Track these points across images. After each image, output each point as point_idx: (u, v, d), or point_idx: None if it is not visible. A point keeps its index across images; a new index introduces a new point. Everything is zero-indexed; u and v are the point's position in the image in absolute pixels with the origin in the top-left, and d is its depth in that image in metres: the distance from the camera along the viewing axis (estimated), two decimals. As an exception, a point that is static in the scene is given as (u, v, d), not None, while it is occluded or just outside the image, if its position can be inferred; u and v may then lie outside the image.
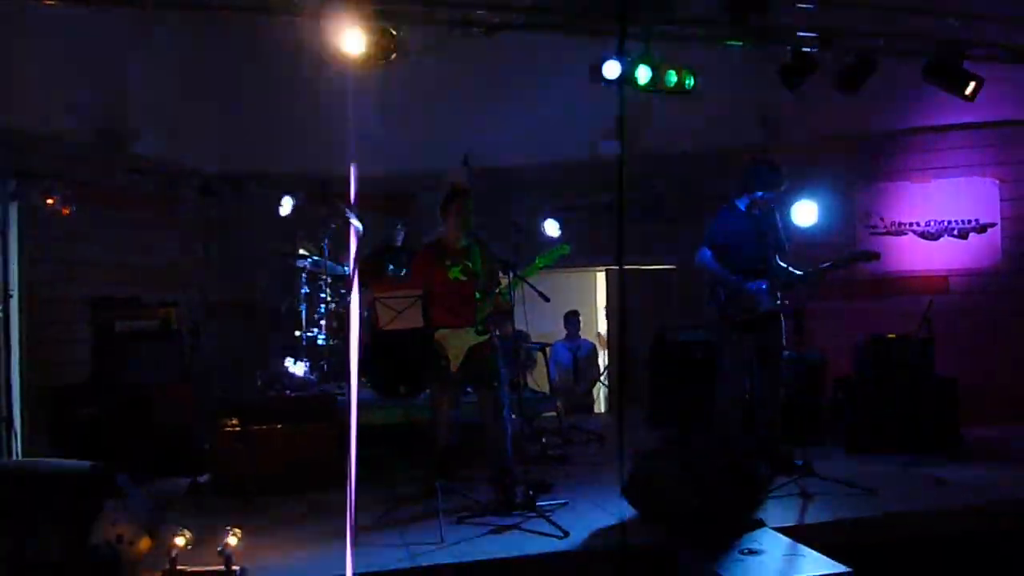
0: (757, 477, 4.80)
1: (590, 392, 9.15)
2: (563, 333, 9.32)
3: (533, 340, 8.52)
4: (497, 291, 5.10)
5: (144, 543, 3.92)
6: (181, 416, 5.83)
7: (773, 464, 5.37)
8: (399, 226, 7.45)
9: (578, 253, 5.43)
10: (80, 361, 6.56)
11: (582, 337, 9.23)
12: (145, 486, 4.96)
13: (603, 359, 9.29)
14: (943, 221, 7.85)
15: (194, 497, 5.15)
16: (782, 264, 5.55)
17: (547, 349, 8.14)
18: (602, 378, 9.21)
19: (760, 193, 5.48)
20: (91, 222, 6.44)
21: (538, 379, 8.38)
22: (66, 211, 5.83)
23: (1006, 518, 4.75)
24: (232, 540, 3.75)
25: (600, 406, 9.29)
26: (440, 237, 5.19)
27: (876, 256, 5.81)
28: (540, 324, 9.17)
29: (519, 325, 5.26)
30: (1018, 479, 5.32)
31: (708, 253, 5.51)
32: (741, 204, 5.59)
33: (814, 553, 3.78)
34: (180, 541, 3.75)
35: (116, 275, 7.09)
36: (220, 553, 3.68)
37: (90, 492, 3.76)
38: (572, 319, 9.15)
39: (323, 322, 6.78)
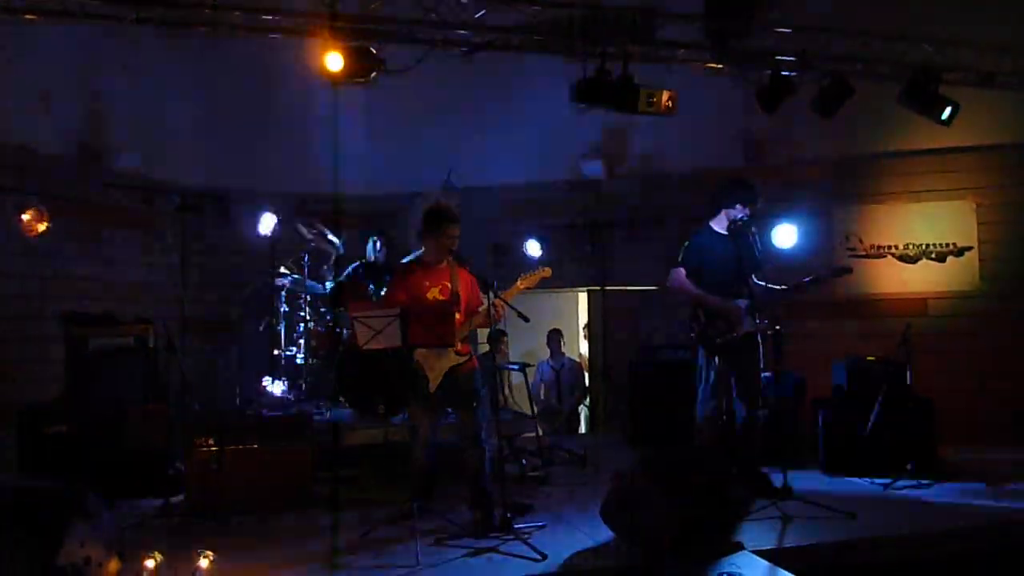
0: (736, 499, 4.78)
1: (573, 412, 9.13)
2: (544, 352, 9.30)
3: (513, 360, 8.50)
4: (478, 310, 5.08)
5: (113, 566, 3.83)
6: (155, 435, 5.74)
7: (752, 486, 5.36)
8: (379, 245, 7.42)
9: (559, 273, 5.44)
10: (53, 378, 6.47)
11: (565, 356, 9.21)
12: (116, 507, 4.86)
13: (586, 379, 9.28)
14: (921, 244, 7.92)
15: (167, 518, 5.06)
16: (759, 283, 5.57)
17: (527, 369, 8.11)
18: (585, 399, 9.20)
19: (737, 207, 5.49)
20: (66, 237, 6.37)
21: (520, 399, 8.34)
22: (41, 226, 5.75)
23: (984, 540, 4.76)
24: (205, 563, 3.69)
25: (582, 426, 9.26)
26: (419, 256, 5.17)
27: (848, 270, 5.86)
28: (523, 344, 9.20)
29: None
30: (996, 501, 5.34)
31: (683, 274, 5.52)
32: (716, 225, 5.61)
33: (793, 577, 3.76)
34: (151, 564, 3.69)
35: (91, 291, 7.01)
36: (191, 576, 3.62)
37: (59, 512, 3.67)
38: (554, 338, 9.13)
39: (302, 341, 6.73)
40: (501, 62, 6.53)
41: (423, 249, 5.14)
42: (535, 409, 7.63)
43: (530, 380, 8.22)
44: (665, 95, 5.86)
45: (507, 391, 8.01)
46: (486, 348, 5.68)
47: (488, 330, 4.98)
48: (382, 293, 6.44)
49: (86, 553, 3.67)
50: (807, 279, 5.50)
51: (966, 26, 6.88)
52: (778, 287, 5.49)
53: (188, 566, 3.69)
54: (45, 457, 5.41)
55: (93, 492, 3.87)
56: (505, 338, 8.69)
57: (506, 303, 4.93)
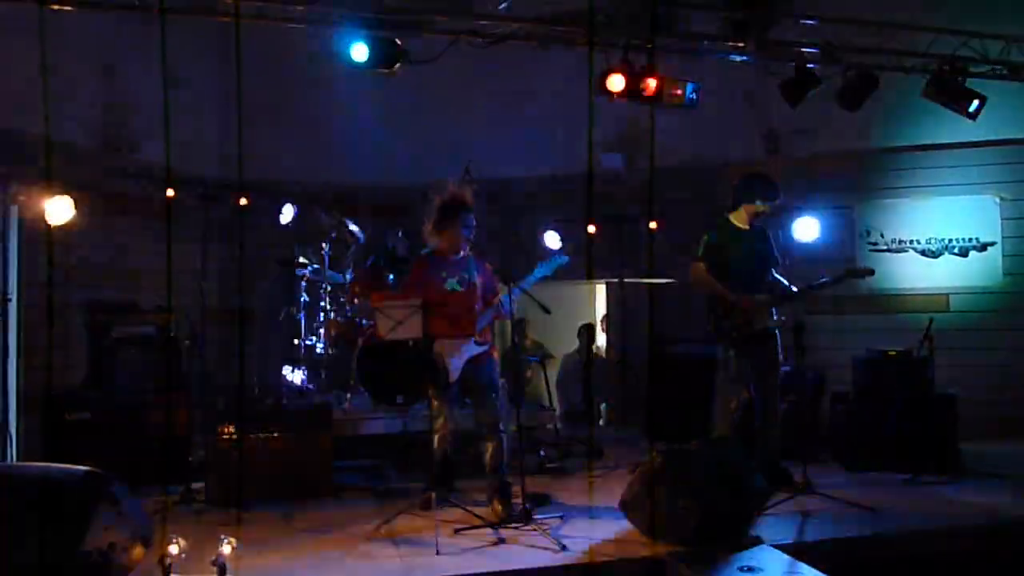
0: (756, 493, 4.77)
1: (595, 405, 9.10)
2: (564, 346, 9.28)
3: (533, 353, 8.50)
4: (496, 302, 5.08)
5: (137, 551, 3.87)
6: (176, 423, 5.79)
7: (772, 480, 5.35)
8: (400, 235, 7.43)
9: (577, 265, 5.44)
10: (76, 366, 6.53)
11: (593, 350, 9.19)
12: (139, 493, 4.91)
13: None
14: (943, 239, 7.85)
15: (189, 505, 5.10)
16: (778, 279, 5.54)
17: (547, 361, 8.10)
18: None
19: (757, 202, 5.46)
20: (90, 226, 6.42)
21: (540, 391, 8.34)
22: (65, 215, 5.79)
23: (1006, 536, 4.72)
24: (227, 549, 3.71)
25: (602, 419, 9.25)
26: (439, 247, 5.17)
27: (870, 272, 5.81)
28: (542, 336, 9.20)
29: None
30: (1017, 497, 5.30)
31: (702, 268, 5.49)
32: (736, 220, 5.58)
33: (813, 571, 3.75)
34: (174, 549, 3.71)
35: (114, 280, 7.06)
36: (214, 562, 3.64)
37: (83, 498, 3.71)
38: (586, 332, 9.13)
39: (322, 330, 6.75)
40: (522, 53, 6.51)
41: (440, 240, 5.14)
42: (554, 401, 7.63)
43: (550, 372, 8.18)
44: (687, 87, 5.83)
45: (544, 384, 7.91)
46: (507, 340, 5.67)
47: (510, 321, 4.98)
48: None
49: (111, 539, 3.71)
50: (823, 280, 5.46)
51: (992, 18, 6.79)
52: (793, 288, 5.45)
53: (211, 552, 3.72)
54: (68, 444, 5.46)
55: (117, 479, 3.91)
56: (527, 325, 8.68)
57: (527, 293, 4.93)
